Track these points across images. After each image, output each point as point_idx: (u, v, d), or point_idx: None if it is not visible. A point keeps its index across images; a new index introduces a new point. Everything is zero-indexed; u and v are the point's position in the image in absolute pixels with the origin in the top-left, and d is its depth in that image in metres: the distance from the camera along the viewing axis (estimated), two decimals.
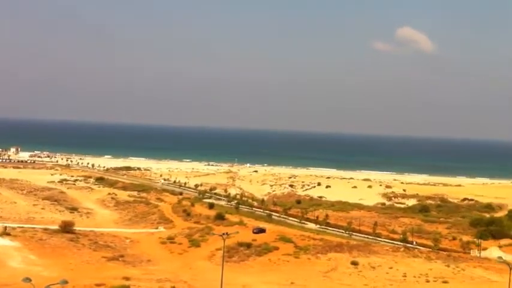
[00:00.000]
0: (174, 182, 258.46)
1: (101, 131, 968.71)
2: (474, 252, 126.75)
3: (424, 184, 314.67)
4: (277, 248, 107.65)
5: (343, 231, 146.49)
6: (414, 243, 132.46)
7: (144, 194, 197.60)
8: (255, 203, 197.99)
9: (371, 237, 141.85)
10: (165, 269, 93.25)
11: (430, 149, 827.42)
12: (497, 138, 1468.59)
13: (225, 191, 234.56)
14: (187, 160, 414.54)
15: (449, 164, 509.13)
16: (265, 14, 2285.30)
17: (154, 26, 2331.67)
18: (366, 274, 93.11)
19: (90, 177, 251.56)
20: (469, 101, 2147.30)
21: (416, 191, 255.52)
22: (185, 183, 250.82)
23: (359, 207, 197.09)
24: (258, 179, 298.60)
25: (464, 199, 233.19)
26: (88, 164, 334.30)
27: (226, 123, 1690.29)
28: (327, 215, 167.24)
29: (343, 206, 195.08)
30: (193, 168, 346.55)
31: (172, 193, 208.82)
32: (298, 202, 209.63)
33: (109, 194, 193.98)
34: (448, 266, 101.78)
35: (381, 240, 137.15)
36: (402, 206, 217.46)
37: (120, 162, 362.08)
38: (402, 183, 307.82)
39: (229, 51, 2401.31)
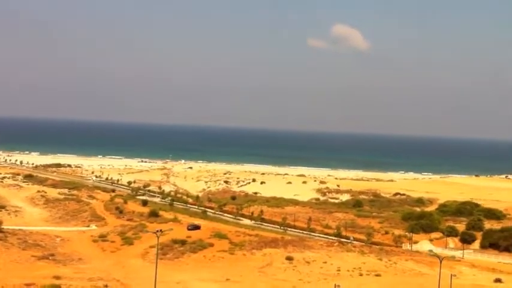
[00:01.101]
0: (106, 179, 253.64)
1: (27, 126, 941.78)
2: (406, 246, 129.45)
3: (358, 179, 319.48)
4: (212, 245, 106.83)
5: (278, 227, 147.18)
6: (352, 238, 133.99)
7: (75, 192, 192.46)
8: (190, 200, 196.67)
9: (305, 232, 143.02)
10: (97, 268, 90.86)
11: (364, 145, 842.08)
12: (429, 135, 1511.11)
13: (159, 187, 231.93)
14: (120, 157, 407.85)
15: (382, 159, 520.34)
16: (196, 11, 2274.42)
17: (81, 23, 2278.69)
18: (301, 269, 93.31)
19: (18, 174, 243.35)
20: (402, 98, 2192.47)
21: (350, 187, 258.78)
22: (118, 181, 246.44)
23: (294, 202, 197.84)
24: (193, 176, 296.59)
25: (396, 194, 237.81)
26: (16, 161, 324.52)
27: (161, 120, 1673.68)
28: (262, 211, 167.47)
29: (278, 202, 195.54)
30: (126, 165, 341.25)
31: (105, 190, 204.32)
32: (233, 198, 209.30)
33: (38, 191, 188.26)
34: (381, 259, 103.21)
35: (315, 235, 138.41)
36: (336, 201, 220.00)
37: (49, 159, 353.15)
38: (336, 178, 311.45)
39: (153, 51, 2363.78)
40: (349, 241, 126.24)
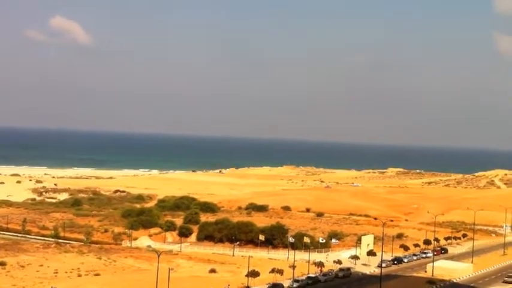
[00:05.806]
0: None
1: None
2: (126, 243, 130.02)
3: (77, 178, 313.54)
4: None
5: None
6: (86, 239, 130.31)
7: None
8: None
9: (20, 235, 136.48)
10: None
11: (81, 143, 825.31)
12: (150, 132, 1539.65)
13: None
14: None
15: (104, 157, 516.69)
16: None
17: None
18: (15, 274, 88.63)
19: None
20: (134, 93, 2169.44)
21: (69, 185, 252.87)
22: None
23: (7, 204, 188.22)
24: None
25: (117, 191, 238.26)
26: None
27: None
28: None
29: None
30: None
31: None
32: None
33: None
34: (100, 258, 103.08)
35: (31, 238, 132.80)
36: (54, 200, 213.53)
37: None
38: (54, 177, 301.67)
39: None
40: (84, 242, 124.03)
